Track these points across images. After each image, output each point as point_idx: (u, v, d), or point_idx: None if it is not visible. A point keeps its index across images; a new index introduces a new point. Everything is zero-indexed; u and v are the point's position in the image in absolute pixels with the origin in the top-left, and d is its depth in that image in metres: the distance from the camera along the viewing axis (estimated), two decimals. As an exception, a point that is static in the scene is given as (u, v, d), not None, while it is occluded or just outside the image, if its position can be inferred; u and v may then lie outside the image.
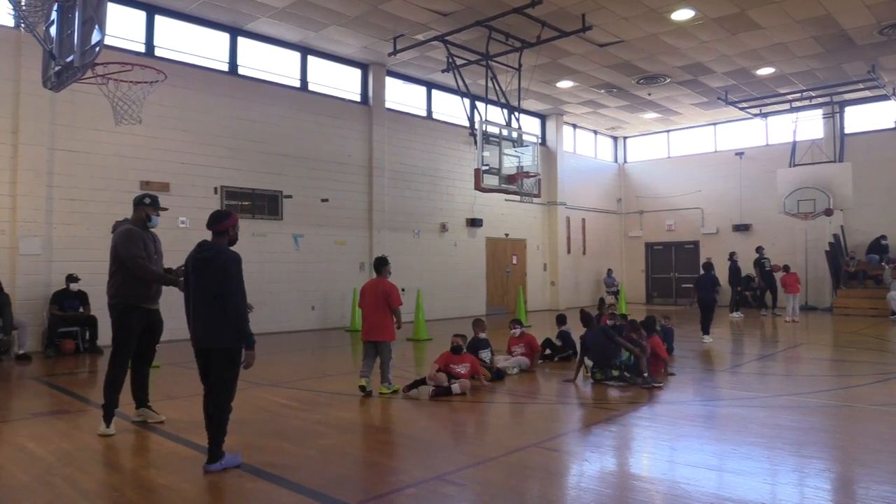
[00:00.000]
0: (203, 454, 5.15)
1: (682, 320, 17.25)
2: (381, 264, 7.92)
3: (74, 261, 11.80)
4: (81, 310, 11.34)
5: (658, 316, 10.87)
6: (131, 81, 8.25)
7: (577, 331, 10.07)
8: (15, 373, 9.44)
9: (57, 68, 6.77)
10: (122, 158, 12.60)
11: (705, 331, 12.90)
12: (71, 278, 11.32)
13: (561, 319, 10.58)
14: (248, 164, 14.47)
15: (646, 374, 8.12)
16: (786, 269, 17.92)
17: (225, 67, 14.43)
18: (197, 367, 5.05)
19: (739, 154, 22.87)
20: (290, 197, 15.06)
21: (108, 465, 5.16)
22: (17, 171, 11.39)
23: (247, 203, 14.46)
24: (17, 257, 11.36)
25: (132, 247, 5.90)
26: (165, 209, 6.48)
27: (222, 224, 5.09)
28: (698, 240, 23.99)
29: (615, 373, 8.18)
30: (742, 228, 22.65)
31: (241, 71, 14.66)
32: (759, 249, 19.25)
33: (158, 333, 6.27)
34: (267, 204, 14.65)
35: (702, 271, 13.27)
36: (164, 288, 6.23)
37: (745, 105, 19.90)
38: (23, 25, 9.66)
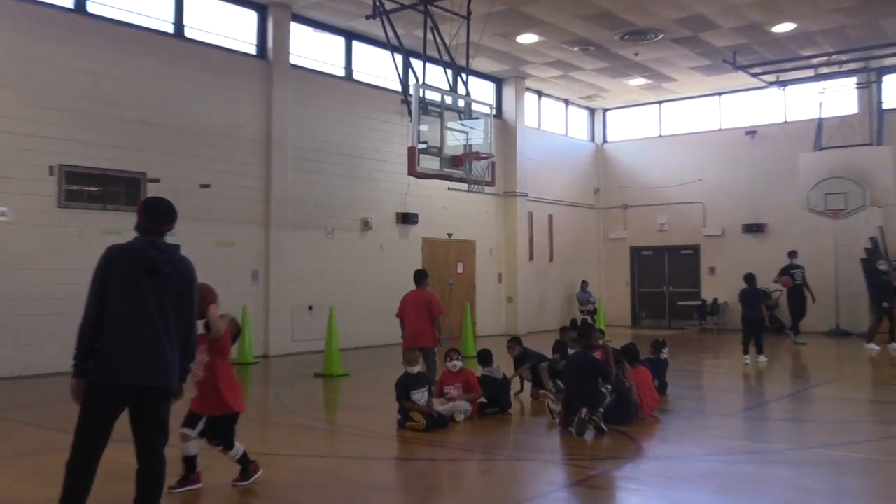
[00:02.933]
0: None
1: (680, 349, 17.49)
2: (421, 277, 10.90)
3: None
4: None
5: (651, 344, 10.95)
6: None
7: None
8: None
9: None
10: (-85, 124, 11.94)
11: (759, 350, 14.71)
12: None
13: (484, 357, 10.06)
14: (98, 135, 13.95)
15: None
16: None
17: (70, 2, 13.91)
18: (93, 412, 4.59)
19: (751, 133, 23.46)
20: (156, 181, 14.60)
21: None
22: None
23: (95, 189, 13.91)
24: None
25: None
26: None
27: (175, 222, 4.97)
28: (699, 243, 24.48)
29: (589, 423, 8.09)
30: (754, 229, 23.23)
31: (90, 7, 14.16)
32: (791, 254, 19.56)
33: None
34: (124, 190, 14.17)
35: (744, 284, 15.08)
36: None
37: (758, 71, 20.37)
38: None
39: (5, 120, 12.84)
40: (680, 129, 25.12)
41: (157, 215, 4.86)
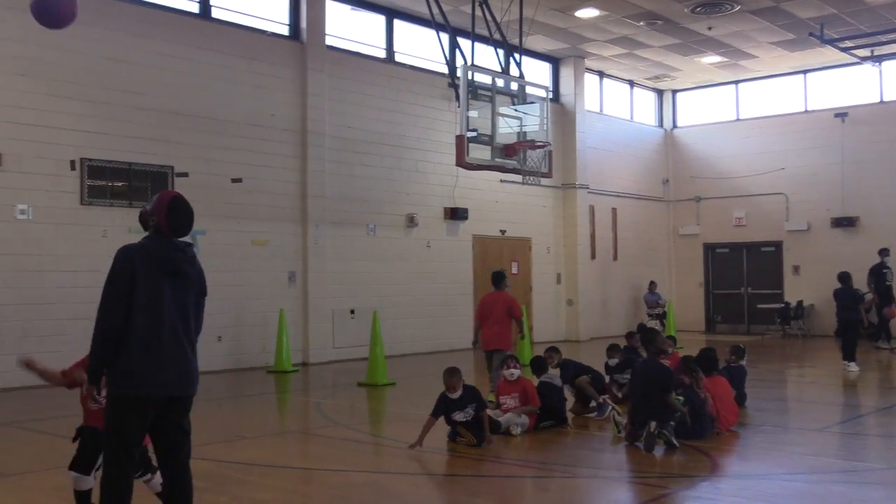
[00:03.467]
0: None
1: (761, 356, 17.34)
2: (499, 278, 11.70)
3: None
4: None
5: (728, 350, 10.90)
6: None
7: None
8: None
9: None
10: (-69, 117, 12.38)
11: (849, 357, 14.43)
12: None
13: (538, 365, 10.05)
14: (121, 125, 14.29)
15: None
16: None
17: (87, -17, 14.28)
18: (129, 427, 4.69)
19: (841, 115, 23.14)
20: (184, 175, 14.89)
21: None
22: None
23: (121, 184, 14.25)
24: None
25: None
26: None
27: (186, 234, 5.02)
28: (781, 240, 24.23)
29: (659, 437, 8.11)
30: (845, 223, 22.92)
31: (111, -11, 14.53)
32: (882, 252, 19.29)
33: None
34: (150, 185, 14.46)
35: (838, 284, 15.17)
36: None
37: (849, 44, 20.07)
38: None
39: (23, 111, 13.21)
40: (760, 111, 24.85)
41: (181, 224, 4.88)
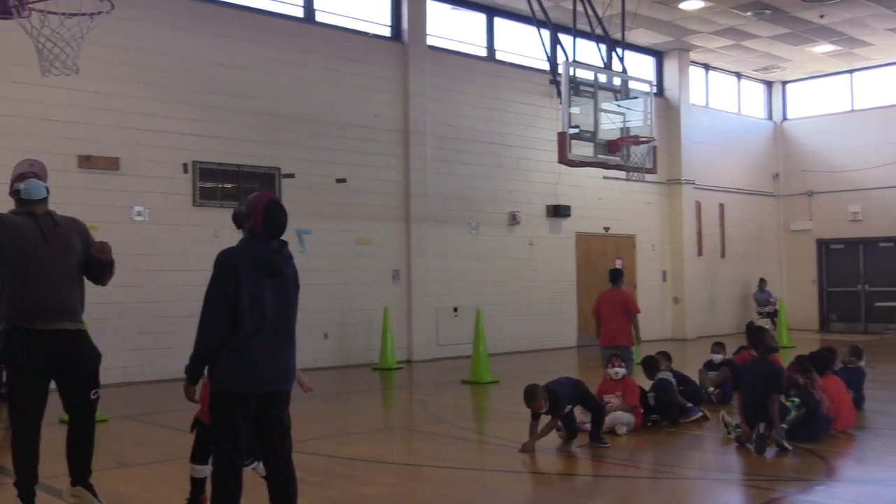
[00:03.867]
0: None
1: (881, 355, 16.71)
2: (617, 276, 12.04)
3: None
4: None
5: (846, 350, 10.58)
6: (64, 14, 8.43)
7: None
8: None
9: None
10: (51, 124, 12.88)
11: None
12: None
13: (650, 364, 10.03)
14: (231, 129, 14.70)
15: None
16: None
17: (196, -9, 14.73)
18: (232, 423, 4.84)
19: (962, 104, 22.18)
20: (290, 176, 15.22)
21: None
22: None
23: (230, 185, 14.66)
24: None
25: None
26: (29, 174, 5.88)
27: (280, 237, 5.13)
28: (900, 234, 23.40)
29: (771, 440, 7.92)
30: (967, 217, 21.95)
31: (219, -4, 14.96)
32: None
33: (87, 371, 5.90)
34: (259, 187, 14.77)
35: None
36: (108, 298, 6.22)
37: (970, 29, 19.26)
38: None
39: (139, 117, 13.73)
40: (876, 101, 24.00)
41: (277, 227, 4.97)
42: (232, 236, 5.06)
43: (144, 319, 13.29)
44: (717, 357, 11.37)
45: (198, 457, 5.79)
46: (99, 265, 5.90)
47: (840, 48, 21.86)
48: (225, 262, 4.83)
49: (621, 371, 9.29)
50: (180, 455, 6.61)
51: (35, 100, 12.67)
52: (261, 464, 5.61)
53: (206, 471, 5.69)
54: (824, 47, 21.78)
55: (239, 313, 4.79)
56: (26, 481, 5.81)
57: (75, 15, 8.43)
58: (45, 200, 5.91)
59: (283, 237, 5.11)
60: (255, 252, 4.88)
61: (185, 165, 14.15)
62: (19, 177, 5.84)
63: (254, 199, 5.01)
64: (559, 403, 8.06)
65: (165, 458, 7.97)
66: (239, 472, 4.89)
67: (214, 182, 14.53)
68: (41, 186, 5.86)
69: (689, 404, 9.79)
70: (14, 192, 5.83)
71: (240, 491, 4.88)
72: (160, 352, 13.54)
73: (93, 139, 13.26)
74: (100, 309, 6.53)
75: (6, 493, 6.35)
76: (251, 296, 4.81)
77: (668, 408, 9.44)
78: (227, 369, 4.80)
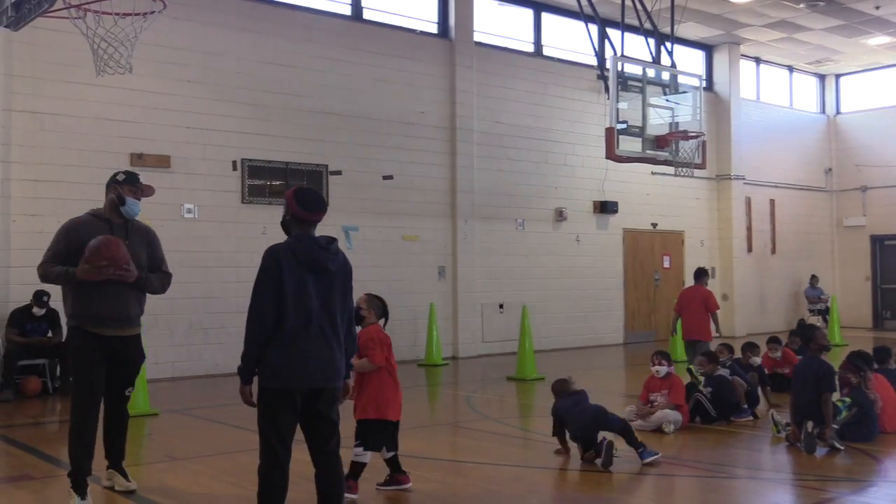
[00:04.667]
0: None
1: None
2: (701, 274, 12.81)
3: (43, 266, 12.42)
4: (50, 335, 11.90)
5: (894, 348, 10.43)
6: (118, 14, 8.59)
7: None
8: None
9: (14, -2, 7.12)
10: (105, 123, 13.13)
11: None
12: (39, 300, 11.77)
13: (711, 358, 9.93)
14: (280, 127, 14.85)
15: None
16: None
17: (245, -10, 14.89)
18: (276, 419, 4.93)
19: None
20: (338, 173, 15.34)
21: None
22: (-36, 143, 12.14)
23: (278, 182, 14.82)
24: (-35, 262, 12.09)
25: (52, 243, 6.15)
26: (149, 190, 6.51)
27: (325, 212, 5.22)
28: (956, 230, 22.92)
29: (825, 441, 7.84)
30: None
31: (267, -6, 15.10)
32: None
33: (130, 373, 6.43)
34: (306, 184, 14.87)
35: None
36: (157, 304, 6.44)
37: None
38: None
39: (190, 116, 13.93)
40: (932, 94, 23.58)
41: (311, 202, 5.05)
42: (280, 233, 5.14)
43: (194, 315, 13.50)
44: (774, 354, 11.53)
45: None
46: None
47: (896, 40, 21.50)
48: (269, 259, 4.88)
49: (663, 369, 9.23)
50: (229, 449, 6.76)
51: (89, 99, 12.92)
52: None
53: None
54: (880, 39, 21.39)
55: (283, 310, 4.84)
56: (83, 468, 6.12)
57: (129, 15, 8.60)
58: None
59: (332, 234, 5.17)
60: (301, 248, 4.92)
61: (234, 163, 14.34)
62: (132, 189, 6.35)
63: (285, 194, 5.17)
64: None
65: (214, 452, 8.11)
66: (285, 469, 4.95)
67: (262, 180, 14.69)
68: (139, 208, 6.41)
69: (745, 405, 9.72)
70: (117, 197, 6.30)
71: (286, 487, 4.95)
72: (209, 347, 13.75)
73: (145, 137, 13.49)
74: (150, 305, 6.67)
75: (60, 485, 6.52)
76: (295, 292, 4.86)
77: (723, 405, 9.38)
78: (272, 366, 4.85)
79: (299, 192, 5.11)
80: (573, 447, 7.68)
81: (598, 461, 7.18)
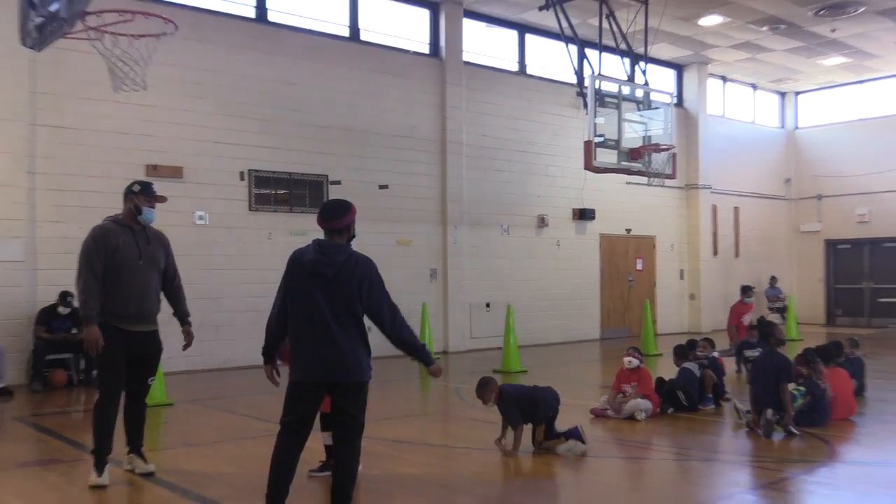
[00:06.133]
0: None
1: (883, 348, 16.57)
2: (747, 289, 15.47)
3: (66, 268, 12.39)
4: (75, 331, 11.91)
5: (844, 342, 10.55)
6: (133, 35, 8.60)
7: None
8: (-6, 411, 10.06)
9: (38, 21, 7.13)
10: (122, 136, 13.15)
11: None
12: (64, 300, 11.82)
13: (679, 352, 10.03)
14: (284, 140, 14.88)
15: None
16: None
17: (252, 13, 14.90)
18: (292, 408, 5.06)
19: (965, 113, 21.79)
20: (337, 183, 15.37)
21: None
22: (-9, 155, 12.13)
23: (282, 192, 14.85)
24: (-8, 265, 12.09)
25: (84, 254, 6.24)
26: (162, 199, 6.65)
27: (343, 220, 5.24)
28: (905, 235, 23.06)
29: (777, 424, 7.94)
30: (971, 219, 21.57)
31: (271, 17, 15.09)
32: None
33: (150, 362, 6.58)
34: (308, 192, 15.00)
35: None
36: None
37: (973, 43, 18.94)
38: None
39: (200, 129, 13.96)
40: (884, 110, 23.66)
41: (323, 212, 5.25)
42: (284, 238, 5.27)
43: (205, 313, 13.48)
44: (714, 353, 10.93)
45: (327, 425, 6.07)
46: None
47: (850, 60, 21.59)
48: (287, 264, 5.13)
49: (635, 361, 9.31)
50: (239, 436, 6.81)
51: (107, 114, 12.93)
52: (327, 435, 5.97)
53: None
54: (835, 60, 21.52)
55: (290, 311, 5.06)
56: (103, 449, 6.31)
57: (143, 36, 8.62)
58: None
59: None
60: (305, 254, 5.08)
61: (241, 174, 14.36)
62: (147, 199, 6.47)
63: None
64: (508, 406, 7.41)
65: (225, 438, 8.15)
66: (292, 449, 5.10)
67: (268, 189, 14.72)
68: (154, 216, 6.53)
69: (710, 395, 9.78)
70: (134, 207, 6.43)
71: (292, 471, 5.10)
72: (220, 343, 13.77)
73: (159, 150, 13.50)
74: (166, 304, 6.76)
75: (84, 467, 6.59)
76: (299, 295, 5.03)
77: (688, 395, 9.45)
78: (292, 361, 5.06)
79: (323, 204, 5.35)
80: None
81: (564, 447, 7.24)
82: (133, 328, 6.33)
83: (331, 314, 4.99)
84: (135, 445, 6.60)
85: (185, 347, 6.74)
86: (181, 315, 6.75)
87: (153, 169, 13.34)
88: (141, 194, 6.43)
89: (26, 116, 12.35)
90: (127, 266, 6.27)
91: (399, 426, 8.91)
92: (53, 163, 12.60)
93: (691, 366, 9.76)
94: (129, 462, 6.61)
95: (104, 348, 6.20)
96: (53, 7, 6.70)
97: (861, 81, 23.83)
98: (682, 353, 10.01)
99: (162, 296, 6.69)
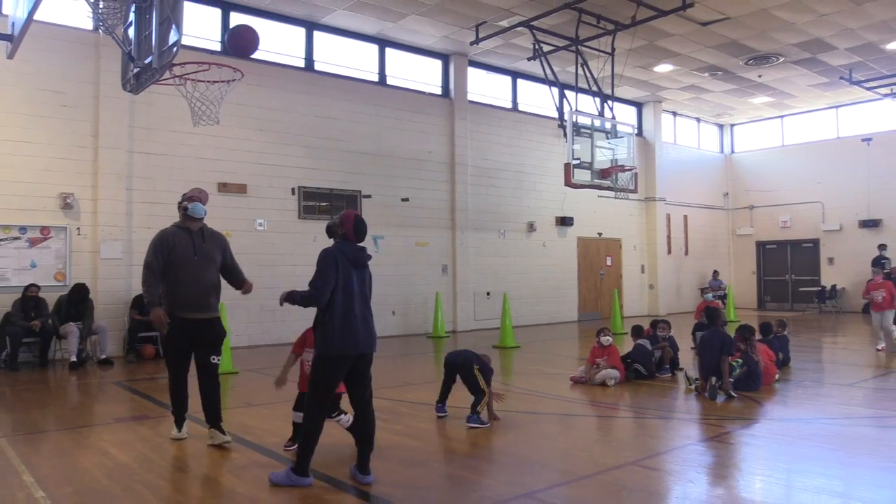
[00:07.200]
0: (280, 462, 5.34)
1: (802, 327, 16.44)
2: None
3: (155, 265, 12.45)
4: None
5: (773, 322, 10.44)
6: (209, 81, 8.61)
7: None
8: (97, 377, 10.06)
9: (136, 70, 7.14)
10: (199, 160, 13.18)
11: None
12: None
13: (635, 331, 9.87)
14: (326, 163, 14.85)
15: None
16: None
17: (301, 63, 14.86)
18: (333, 378, 4.92)
19: (867, 140, 21.57)
20: (368, 197, 15.35)
21: (187, 472, 5.42)
22: (97, 175, 12.13)
23: (324, 204, 14.84)
24: (98, 261, 12.09)
25: (147, 254, 6.08)
26: (204, 195, 6.26)
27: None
28: (818, 238, 22.82)
29: (722, 391, 7.85)
30: (870, 225, 21.35)
31: (317, 66, 15.06)
32: (881, 247, 18.09)
33: (212, 345, 6.14)
34: (345, 204, 14.97)
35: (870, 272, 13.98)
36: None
37: (873, 84, 18.78)
38: (101, 28, 10.27)
39: (262, 155, 13.94)
40: (800, 139, 23.51)
41: (362, 233, 5.09)
42: (326, 240, 5.17)
43: (264, 300, 13.48)
44: (664, 334, 10.26)
45: (299, 407, 5.85)
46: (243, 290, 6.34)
47: (774, 99, 21.46)
48: (328, 256, 4.95)
49: (609, 339, 9.22)
50: (290, 398, 6.70)
51: (188, 143, 12.94)
52: (343, 417, 5.72)
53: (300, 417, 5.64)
54: (762, 98, 21.41)
55: (336, 294, 4.88)
56: (179, 410, 6.28)
57: (217, 82, 8.61)
58: (201, 218, 6.22)
59: (365, 242, 5.20)
60: (348, 250, 5.01)
61: (292, 189, 14.34)
62: (189, 199, 6.20)
63: (344, 214, 5.13)
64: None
65: (280, 400, 8.07)
66: (323, 419, 5.00)
67: (314, 202, 14.69)
68: (202, 208, 6.20)
69: (667, 366, 9.66)
70: (183, 209, 6.17)
71: (318, 433, 4.95)
72: (275, 323, 13.74)
73: (228, 171, 13.49)
74: (234, 293, 6.68)
75: (168, 422, 6.56)
76: (345, 281, 4.92)
77: (646, 366, 9.35)
78: (328, 338, 4.86)
79: (357, 223, 5.07)
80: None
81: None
82: (193, 316, 6.01)
83: (363, 298, 5.02)
84: (214, 421, 6.14)
85: (246, 292, 6.32)
86: (239, 283, 6.29)
87: (223, 186, 13.32)
88: (184, 200, 6.20)
89: (125, 145, 12.38)
90: (183, 262, 6.00)
91: (418, 391, 8.86)
92: (146, 181, 12.60)
93: (643, 342, 9.66)
94: (211, 436, 6.13)
95: (167, 335, 6.01)
96: (148, 60, 6.70)
97: (782, 116, 23.68)
98: (637, 332, 9.90)
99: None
